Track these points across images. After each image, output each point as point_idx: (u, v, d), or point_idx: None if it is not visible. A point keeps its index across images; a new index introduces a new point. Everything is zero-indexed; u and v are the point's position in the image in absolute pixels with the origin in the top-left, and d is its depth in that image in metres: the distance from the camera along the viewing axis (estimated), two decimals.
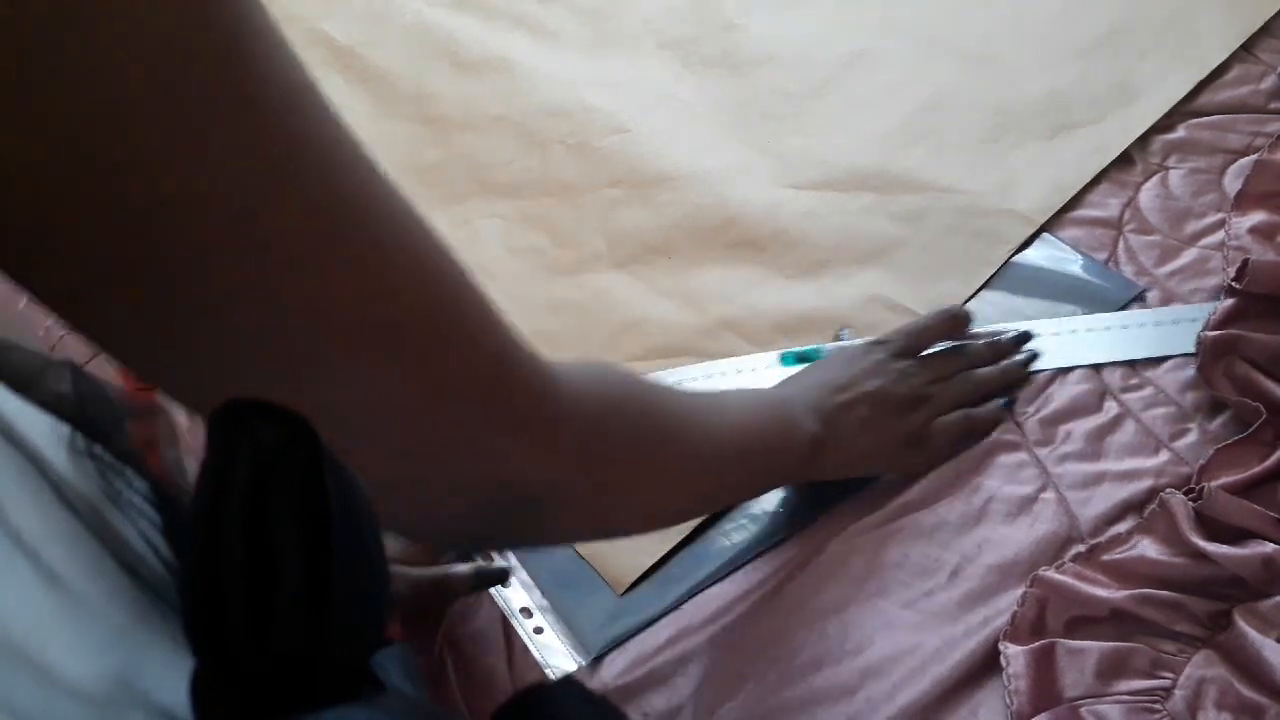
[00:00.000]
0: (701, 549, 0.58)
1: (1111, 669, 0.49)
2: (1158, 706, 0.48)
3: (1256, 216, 0.66)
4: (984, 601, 0.53)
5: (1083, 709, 0.48)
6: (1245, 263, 0.60)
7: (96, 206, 0.23)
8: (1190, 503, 0.52)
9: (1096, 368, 0.61)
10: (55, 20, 0.20)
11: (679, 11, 0.92)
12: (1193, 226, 0.68)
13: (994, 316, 0.65)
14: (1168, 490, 0.54)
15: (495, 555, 0.59)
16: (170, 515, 0.32)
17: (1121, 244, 0.68)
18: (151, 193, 0.23)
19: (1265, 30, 0.78)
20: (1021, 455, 0.58)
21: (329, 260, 0.26)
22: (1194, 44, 0.78)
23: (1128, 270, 0.66)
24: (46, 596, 0.26)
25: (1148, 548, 0.52)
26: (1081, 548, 0.54)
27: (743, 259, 0.72)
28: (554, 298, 0.72)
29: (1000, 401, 0.59)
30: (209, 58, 0.22)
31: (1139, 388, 0.60)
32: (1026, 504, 0.56)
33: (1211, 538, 0.51)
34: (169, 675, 0.27)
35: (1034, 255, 0.69)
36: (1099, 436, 0.58)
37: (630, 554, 0.58)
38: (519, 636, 0.56)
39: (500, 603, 0.58)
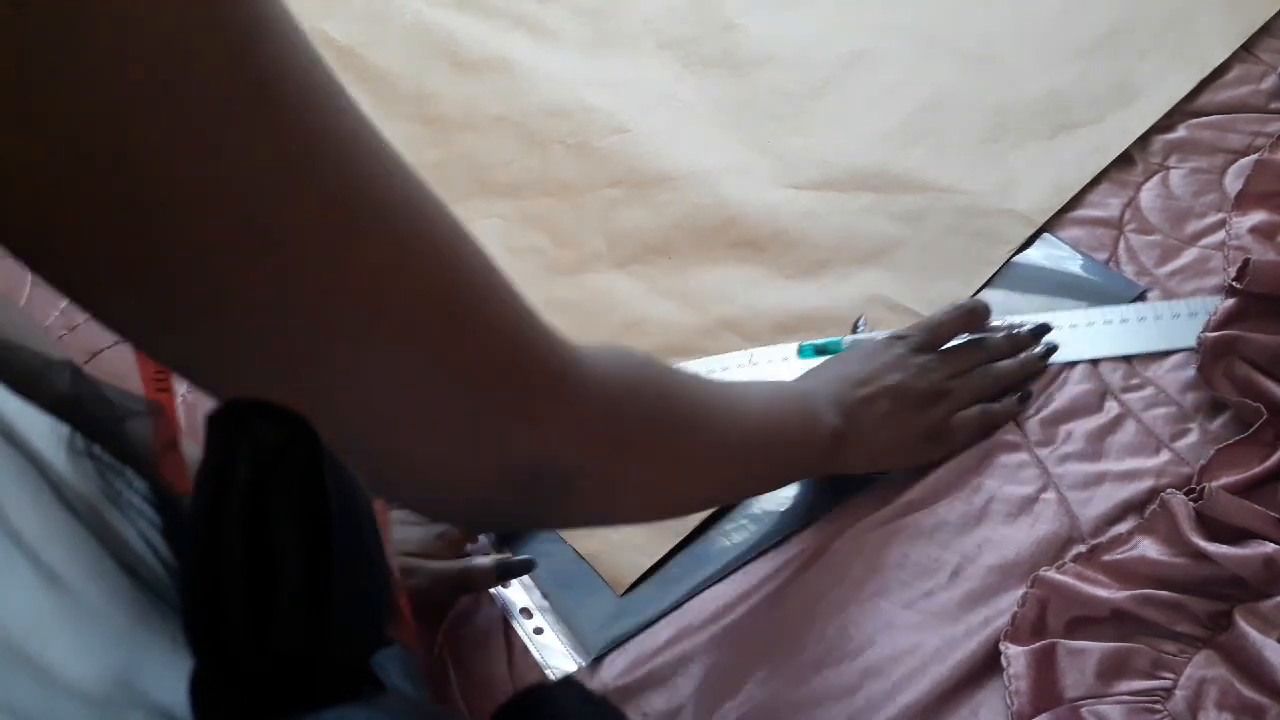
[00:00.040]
0: (701, 549, 0.58)
1: (1112, 669, 0.49)
2: (1158, 707, 0.48)
3: (1257, 216, 0.66)
4: (985, 602, 0.53)
5: (1083, 709, 0.48)
6: (1246, 262, 0.60)
7: (96, 206, 0.23)
8: (1191, 503, 0.52)
9: (1095, 364, 0.61)
10: (55, 20, 0.20)
11: (679, 11, 0.92)
12: (1193, 226, 0.68)
13: (995, 315, 0.65)
14: (1168, 490, 0.54)
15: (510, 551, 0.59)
16: (170, 515, 0.32)
17: (1122, 244, 0.68)
18: (151, 193, 0.23)
19: (1265, 30, 0.78)
20: (1022, 455, 0.58)
21: (345, 252, 0.26)
22: (1194, 44, 0.78)
23: (1128, 270, 0.66)
24: (46, 597, 0.26)
25: (1148, 548, 0.52)
26: (1082, 548, 0.54)
27: (743, 259, 0.72)
28: (554, 298, 0.72)
29: (1016, 396, 0.60)
30: (217, 57, 0.22)
31: (1140, 388, 0.60)
32: (1027, 504, 0.56)
33: (1212, 538, 0.51)
34: (169, 675, 0.27)
35: (1034, 255, 0.69)
36: (1100, 436, 0.58)
37: (630, 554, 0.58)
38: (519, 637, 0.56)
39: (500, 603, 0.58)
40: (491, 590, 0.58)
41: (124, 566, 0.29)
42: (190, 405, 0.63)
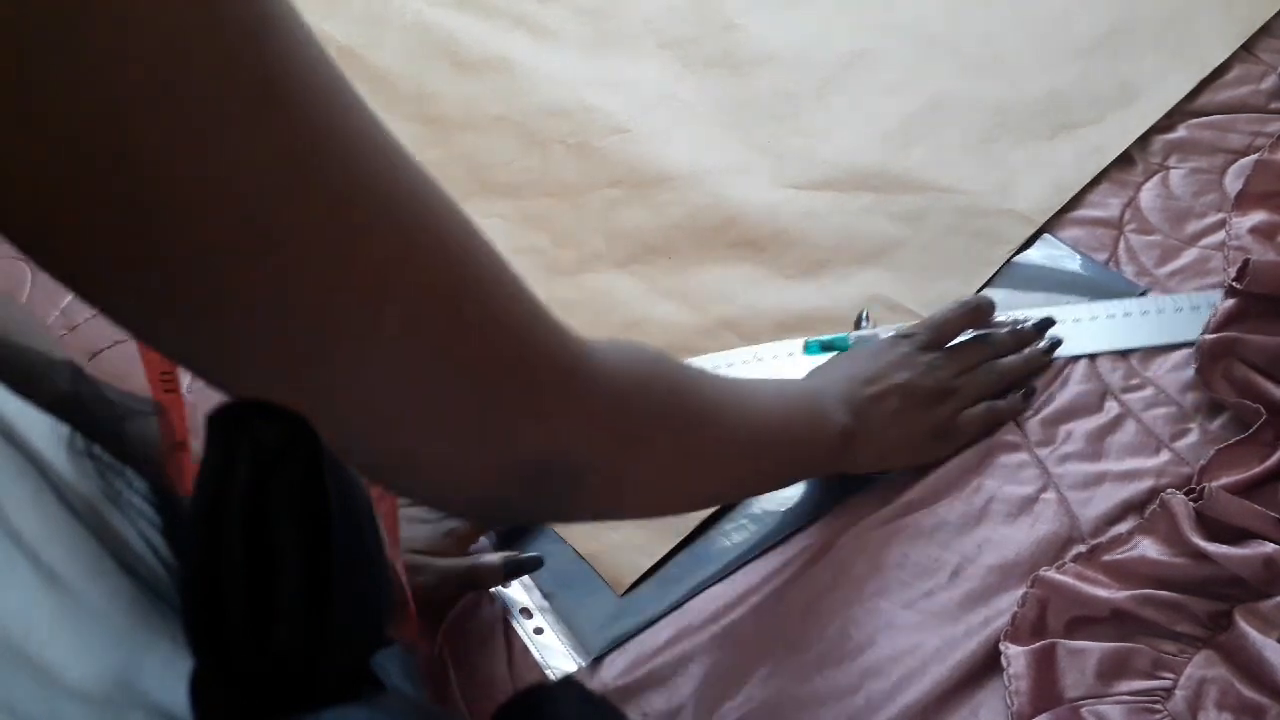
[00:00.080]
0: (701, 549, 0.58)
1: (1112, 669, 0.49)
2: (1158, 707, 0.48)
3: (1257, 216, 0.66)
4: (984, 602, 0.53)
5: (1083, 709, 0.48)
6: (1246, 263, 0.60)
7: (96, 206, 0.23)
8: (1191, 503, 0.52)
9: (1095, 362, 0.61)
10: (55, 20, 0.20)
11: (679, 11, 0.92)
12: (1193, 226, 0.68)
13: (997, 312, 0.65)
14: (1168, 490, 0.54)
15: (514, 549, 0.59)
16: (170, 515, 0.32)
17: (1122, 244, 0.68)
18: (151, 193, 0.23)
19: (1265, 30, 0.78)
20: (1022, 455, 0.58)
21: (350, 249, 0.26)
22: (1194, 44, 0.78)
23: (1128, 270, 0.66)
24: (46, 597, 0.26)
25: (1148, 548, 0.52)
26: (1082, 548, 0.54)
27: (743, 259, 0.72)
28: (554, 298, 0.71)
29: (1021, 392, 0.60)
30: (219, 57, 0.22)
31: (1140, 388, 0.60)
32: (1027, 504, 0.56)
33: (1212, 538, 0.51)
34: (169, 675, 0.27)
35: (1034, 256, 0.69)
36: (1100, 436, 0.58)
37: (630, 554, 0.58)
38: (519, 637, 0.56)
39: (500, 603, 0.58)
40: (492, 590, 0.58)
41: (124, 566, 0.29)
42: (191, 406, 0.63)
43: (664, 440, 0.40)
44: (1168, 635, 0.50)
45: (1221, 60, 0.76)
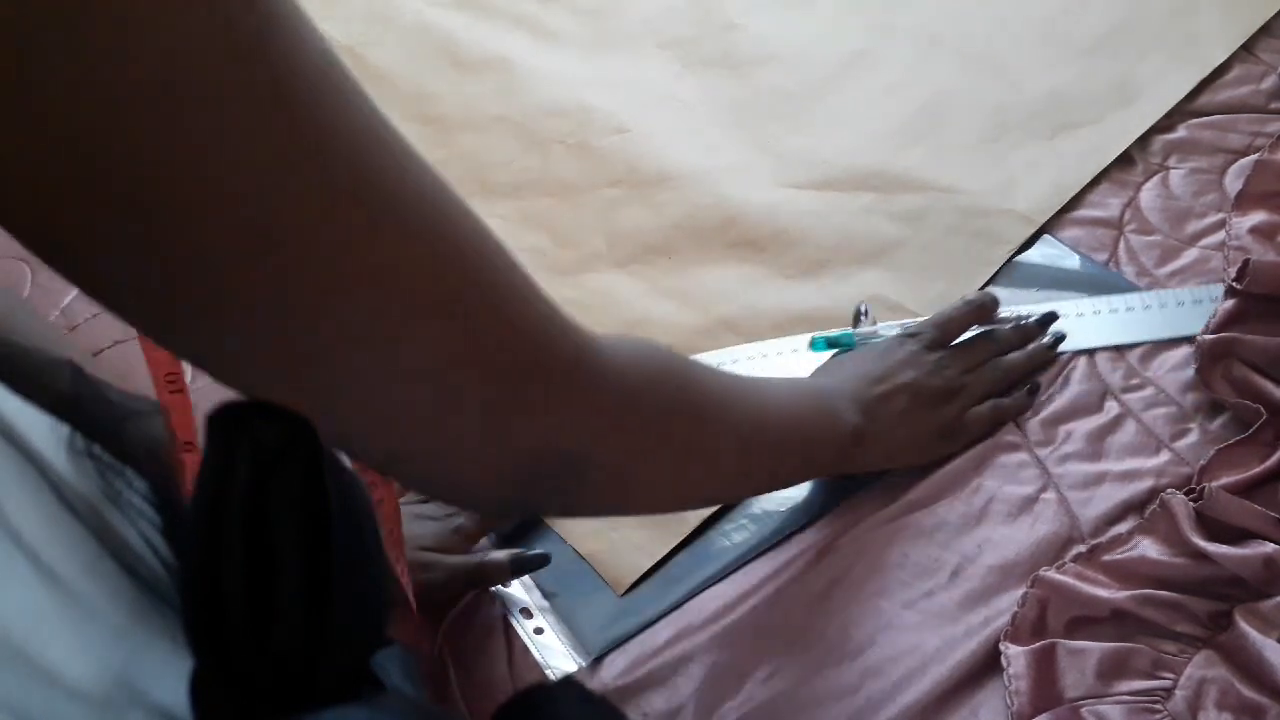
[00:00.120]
0: (702, 549, 0.58)
1: (1112, 669, 0.49)
2: (1158, 707, 0.48)
3: (1257, 216, 0.66)
4: (984, 602, 0.53)
5: (1083, 709, 0.48)
6: (1246, 263, 0.60)
7: (97, 206, 0.23)
8: (1191, 503, 0.52)
9: (1095, 362, 0.61)
10: (55, 20, 0.20)
11: (679, 11, 0.92)
12: (1193, 226, 0.68)
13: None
14: (1168, 490, 0.54)
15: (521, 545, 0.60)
16: (170, 515, 0.32)
17: (1122, 244, 0.68)
18: (151, 193, 0.23)
19: (1265, 30, 0.78)
20: (1022, 455, 0.58)
21: (356, 249, 0.26)
22: (1194, 44, 0.78)
23: (1128, 270, 0.66)
24: (46, 596, 0.26)
25: (1148, 548, 0.52)
26: (1082, 548, 0.54)
27: (743, 259, 0.72)
28: (554, 297, 0.72)
29: (1026, 389, 0.60)
30: (224, 56, 0.22)
31: (1140, 388, 0.60)
32: (1027, 504, 0.56)
33: (1212, 538, 0.51)
34: (169, 675, 0.27)
35: (1034, 256, 0.69)
36: (1100, 437, 0.58)
37: (630, 554, 0.58)
38: (519, 636, 0.56)
39: (500, 603, 0.58)
40: (492, 589, 0.58)
41: (124, 566, 0.29)
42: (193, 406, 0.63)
43: (673, 436, 0.40)
44: (1168, 635, 0.50)
45: (1221, 60, 0.76)
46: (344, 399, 0.29)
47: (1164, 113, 0.74)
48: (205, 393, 0.29)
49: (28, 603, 0.25)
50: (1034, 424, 0.59)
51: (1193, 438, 0.57)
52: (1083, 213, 0.70)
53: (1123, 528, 0.54)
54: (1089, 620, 0.51)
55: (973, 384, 0.59)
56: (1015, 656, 0.49)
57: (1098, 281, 0.66)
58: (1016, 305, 0.64)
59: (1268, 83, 0.74)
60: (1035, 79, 0.79)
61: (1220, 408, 0.58)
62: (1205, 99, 0.75)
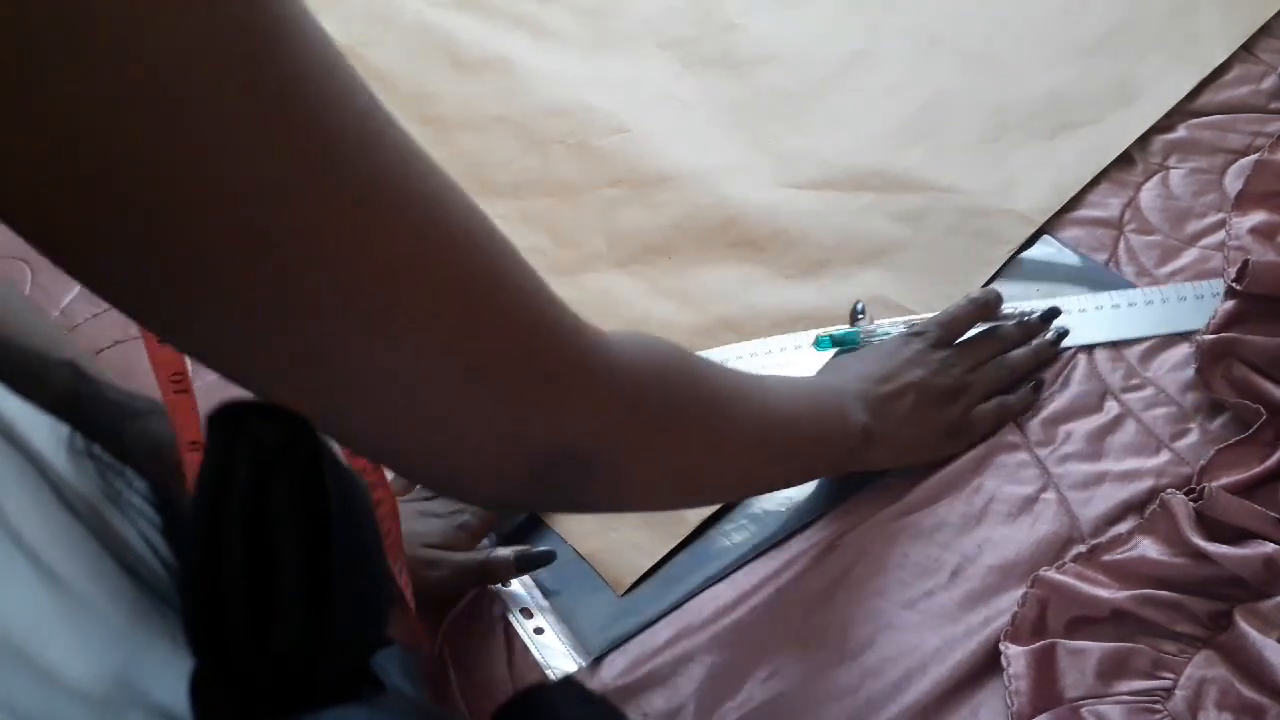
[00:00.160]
0: (701, 549, 0.58)
1: (1112, 669, 0.49)
2: (1158, 707, 0.48)
3: (1257, 216, 0.66)
4: (984, 602, 0.53)
5: (1083, 709, 0.48)
6: (1245, 264, 0.60)
7: (96, 207, 0.23)
8: (1191, 503, 0.52)
9: (1094, 363, 0.61)
10: (56, 20, 0.20)
11: (679, 11, 0.92)
12: (1193, 226, 0.68)
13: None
14: (1168, 490, 0.54)
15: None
16: (170, 515, 0.32)
17: (1122, 244, 0.68)
18: (150, 193, 0.23)
19: (1265, 30, 0.78)
20: (1022, 455, 0.58)
21: (364, 248, 0.26)
22: (1194, 44, 0.78)
23: (1128, 270, 0.66)
24: (46, 597, 0.26)
25: (1148, 548, 0.52)
26: (1082, 548, 0.54)
27: (743, 259, 0.72)
28: None
29: (1030, 386, 0.60)
30: (225, 58, 0.22)
31: (1140, 388, 0.60)
32: (1027, 504, 0.56)
33: (1212, 538, 0.51)
34: (169, 675, 0.27)
35: (1034, 255, 0.69)
36: (1100, 437, 0.58)
37: (630, 554, 0.58)
38: (519, 636, 0.56)
39: (500, 603, 0.58)
40: (492, 589, 0.58)
41: (124, 566, 0.29)
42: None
43: (682, 432, 0.40)
44: (1168, 635, 0.50)
45: (1221, 60, 0.76)
46: (351, 396, 0.29)
47: (1164, 113, 0.74)
48: (209, 392, 0.29)
49: (28, 603, 0.25)
50: (1034, 424, 0.59)
51: (1193, 438, 0.57)
52: (1083, 213, 0.70)
53: (1123, 528, 0.54)
54: (1089, 620, 0.51)
55: (978, 382, 0.59)
56: (1015, 656, 0.49)
57: (1098, 281, 0.66)
58: (1018, 302, 0.64)
59: (1268, 83, 0.74)
60: (1035, 79, 0.79)
61: (1220, 408, 0.58)
62: (1205, 99, 0.75)
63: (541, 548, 0.57)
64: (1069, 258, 0.68)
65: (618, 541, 0.59)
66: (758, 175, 0.77)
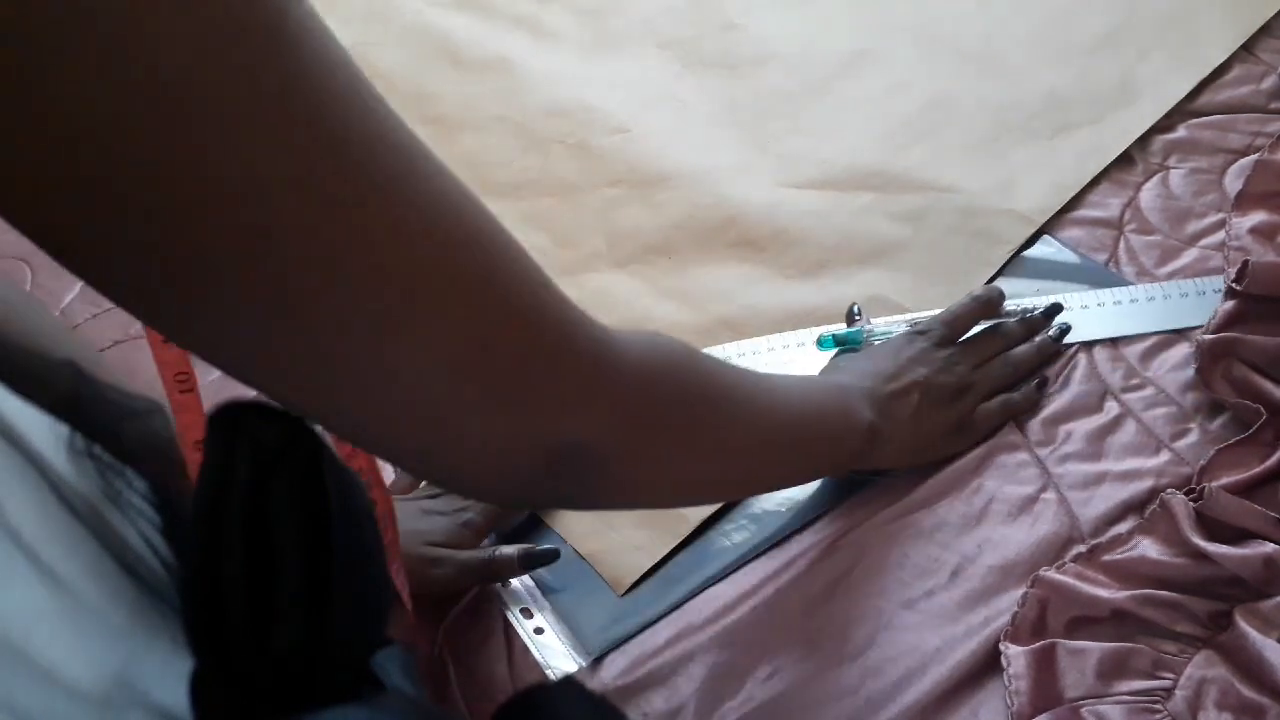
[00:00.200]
0: (702, 549, 0.58)
1: (1112, 669, 0.49)
2: (1158, 707, 0.48)
3: (1257, 216, 0.66)
4: (984, 602, 0.53)
5: (1083, 709, 0.48)
6: (1245, 264, 0.60)
7: (96, 207, 0.23)
8: (1191, 503, 0.52)
9: (1093, 359, 0.61)
10: (57, 22, 0.20)
11: (679, 11, 0.92)
12: (1193, 226, 0.68)
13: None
14: (1168, 490, 0.54)
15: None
16: (170, 515, 0.32)
17: (1122, 244, 0.68)
18: (151, 194, 0.23)
19: (1265, 30, 0.78)
20: (1022, 455, 0.58)
21: (371, 249, 0.26)
22: (1194, 44, 0.78)
23: (1128, 271, 0.66)
24: (46, 597, 0.26)
25: (1148, 548, 0.52)
26: (1082, 548, 0.54)
27: (743, 259, 0.72)
28: None
29: (1034, 383, 0.60)
30: (226, 58, 0.22)
31: (1140, 388, 0.60)
32: (1027, 504, 0.56)
33: (1212, 538, 0.51)
34: (169, 675, 0.27)
35: (1034, 254, 0.69)
36: (1100, 437, 0.58)
37: (630, 554, 0.58)
38: (519, 636, 0.56)
39: (501, 603, 0.58)
40: (492, 588, 0.58)
41: (124, 566, 0.29)
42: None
43: (689, 429, 0.40)
44: (1168, 635, 0.50)
45: (1221, 60, 0.76)
46: (356, 394, 0.29)
47: (1164, 113, 0.74)
48: (212, 392, 0.29)
49: (28, 603, 0.25)
50: (1034, 424, 0.59)
51: (1193, 438, 0.57)
52: (1083, 213, 0.70)
53: (1123, 528, 0.54)
54: (1089, 620, 0.51)
55: (982, 380, 0.59)
56: (1015, 656, 0.49)
57: (1098, 280, 0.66)
58: (1020, 299, 0.65)
59: (1268, 83, 0.74)
60: (1035, 79, 0.79)
61: (1220, 408, 0.58)
62: (1205, 99, 0.75)
63: (545, 546, 0.57)
64: (1069, 258, 0.68)
65: (618, 541, 0.59)
66: (758, 175, 0.77)
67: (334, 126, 0.25)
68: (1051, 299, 0.64)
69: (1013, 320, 0.62)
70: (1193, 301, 0.63)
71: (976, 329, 0.62)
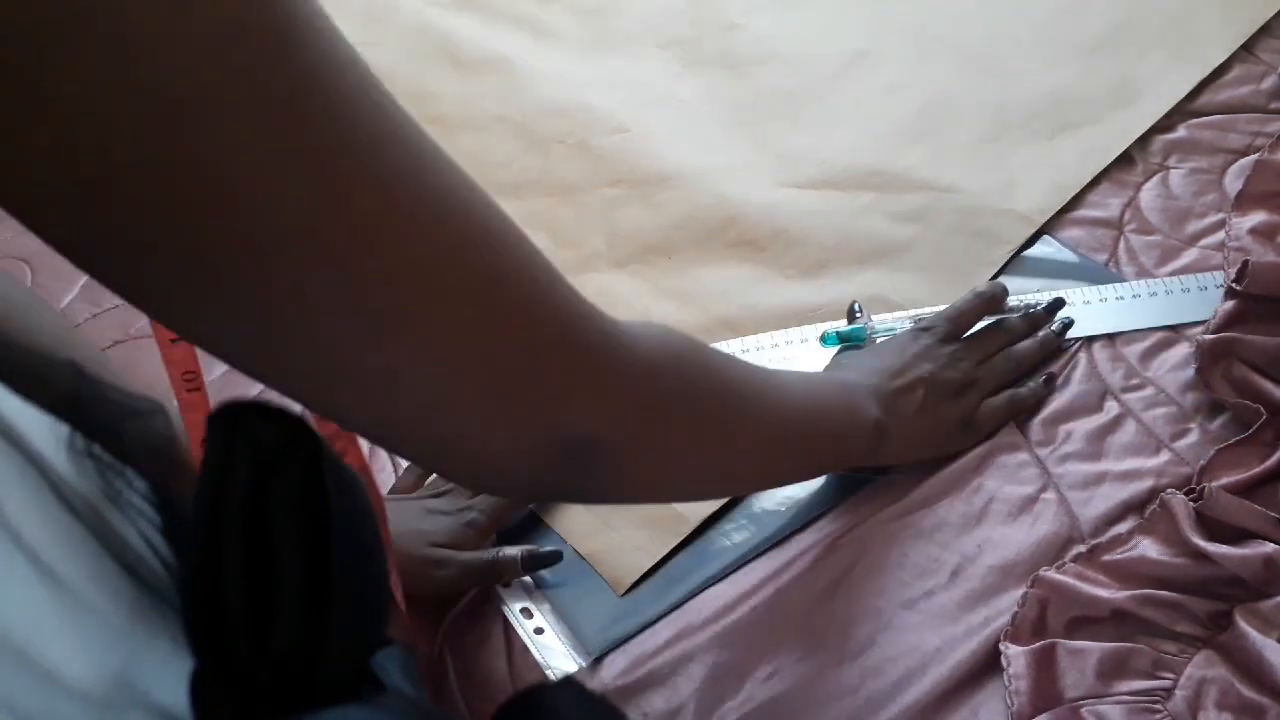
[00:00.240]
0: (702, 549, 0.58)
1: (1112, 669, 0.49)
2: (1158, 707, 0.48)
3: (1257, 217, 0.66)
4: (985, 602, 0.53)
5: (1083, 709, 0.48)
6: (1245, 264, 0.60)
7: (98, 206, 0.23)
8: (1191, 503, 0.52)
9: (1093, 359, 0.61)
10: (59, 22, 0.20)
11: (679, 11, 0.92)
12: (1193, 226, 0.68)
13: None
14: (1168, 490, 0.54)
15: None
16: (170, 515, 0.32)
17: (1122, 244, 0.68)
18: (152, 194, 0.23)
19: (1265, 30, 0.78)
20: (1022, 455, 0.58)
21: (380, 246, 0.26)
22: (1194, 44, 0.78)
23: (1128, 271, 0.66)
24: (46, 597, 0.26)
25: (1148, 548, 0.52)
26: (1082, 548, 0.54)
27: (743, 258, 0.72)
28: None
29: (1040, 380, 0.60)
30: (230, 59, 0.22)
31: (1140, 388, 0.60)
32: (1027, 504, 0.56)
33: (1212, 538, 0.51)
34: (169, 675, 0.27)
35: (1035, 253, 0.69)
36: (1100, 436, 0.58)
37: (630, 554, 0.58)
38: (519, 637, 0.56)
39: (500, 603, 0.57)
40: (492, 589, 0.58)
41: (124, 566, 0.29)
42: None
43: (695, 422, 0.40)
44: (1168, 635, 0.50)
45: (1221, 60, 0.76)
46: (364, 391, 0.29)
47: (1164, 113, 0.74)
48: (217, 390, 0.29)
49: (28, 603, 0.25)
50: (1034, 424, 0.59)
51: (1193, 438, 0.57)
52: (1083, 213, 0.70)
53: (1123, 528, 0.54)
54: (1089, 620, 0.51)
55: (986, 375, 0.59)
56: (1015, 656, 0.49)
57: (1098, 279, 0.66)
58: (1022, 295, 0.65)
59: (1268, 83, 0.74)
60: (1035, 79, 0.79)
61: (1220, 408, 0.58)
62: (1205, 99, 0.75)
63: (548, 548, 0.57)
64: (1069, 257, 0.68)
65: (618, 541, 0.59)
66: (758, 175, 0.77)
67: (343, 125, 0.25)
68: (1054, 293, 0.64)
69: (1016, 316, 0.62)
70: (1194, 296, 0.63)
71: (980, 325, 0.62)
